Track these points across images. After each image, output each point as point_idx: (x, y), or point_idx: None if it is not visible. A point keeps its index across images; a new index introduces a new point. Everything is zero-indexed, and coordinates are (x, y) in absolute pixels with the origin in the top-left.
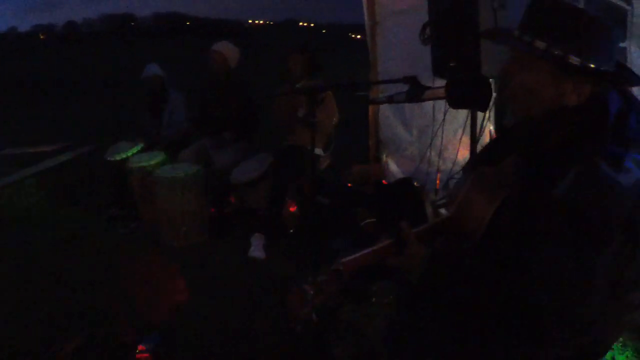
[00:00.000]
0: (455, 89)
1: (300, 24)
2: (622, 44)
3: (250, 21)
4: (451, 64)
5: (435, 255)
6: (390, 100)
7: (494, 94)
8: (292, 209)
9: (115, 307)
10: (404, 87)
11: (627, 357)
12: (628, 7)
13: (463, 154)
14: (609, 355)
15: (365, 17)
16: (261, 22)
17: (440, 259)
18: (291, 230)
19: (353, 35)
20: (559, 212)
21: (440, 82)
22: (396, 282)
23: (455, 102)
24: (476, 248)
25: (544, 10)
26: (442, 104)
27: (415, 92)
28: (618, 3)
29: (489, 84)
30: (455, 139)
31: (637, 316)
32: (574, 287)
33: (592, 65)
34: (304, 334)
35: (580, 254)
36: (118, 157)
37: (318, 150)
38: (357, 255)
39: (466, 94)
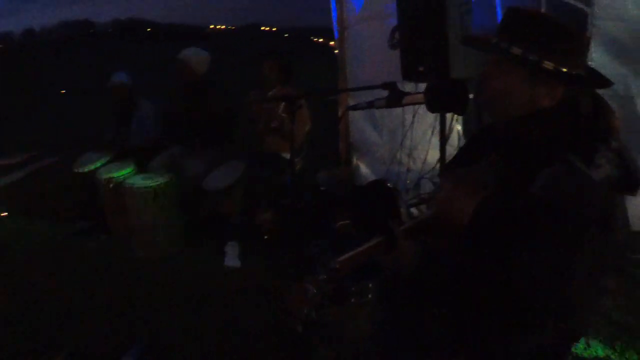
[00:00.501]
0: (433, 94)
1: (262, 28)
2: None
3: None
4: (420, 69)
5: (425, 251)
6: (370, 105)
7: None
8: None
9: (93, 321)
10: (383, 93)
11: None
12: (588, 9)
13: (433, 155)
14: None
15: (335, 23)
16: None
17: (430, 255)
18: (266, 237)
19: (315, 39)
20: (537, 207)
21: (409, 86)
22: (377, 281)
23: (434, 107)
24: (461, 244)
25: (520, 20)
26: (411, 106)
27: (395, 97)
28: (579, 5)
29: (466, 89)
30: (425, 139)
31: (605, 301)
32: (555, 277)
33: (565, 70)
34: (306, 334)
35: (559, 246)
36: (86, 169)
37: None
38: (351, 254)
39: (444, 99)
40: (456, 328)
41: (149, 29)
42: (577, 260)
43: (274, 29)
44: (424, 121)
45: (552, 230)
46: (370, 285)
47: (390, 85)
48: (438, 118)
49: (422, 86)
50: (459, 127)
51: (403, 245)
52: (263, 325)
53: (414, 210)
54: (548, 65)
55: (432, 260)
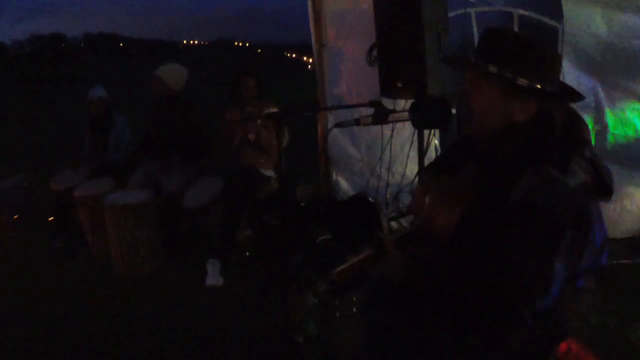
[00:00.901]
0: (417, 112)
1: (235, 43)
2: None
3: (184, 41)
4: (398, 85)
5: (413, 259)
6: (357, 122)
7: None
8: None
9: (71, 341)
10: (363, 111)
11: None
12: (558, 26)
13: (411, 168)
14: None
15: (313, 40)
16: (196, 42)
17: (418, 263)
18: (247, 253)
19: (288, 55)
20: (517, 212)
21: (387, 102)
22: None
23: (419, 123)
24: (448, 252)
25: (496, 40)
26: None
27: (381, 115)
28: (549, 22)
29: (449, 106)
30: (403, 153)
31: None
32: (536, 278)
33: (538, 86)
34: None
35: (539, 249)
36: (64, 186)
37: (269, 172)
38: (347, 264)
39: (429, 116)
40: (445, 332)
41: (120, 44)
42: (556, 262)
43: (246, 44)
44: (402, 135)
45: (532, 235)
46: (354, 298)
47: (376, 103)
48: (416, 132)
49: (400, 102)
50: (436, 142)
51: (392, 255)
52: (246, 343)
53: (393, 223)
54: (522, 81)
55: (420, 269)
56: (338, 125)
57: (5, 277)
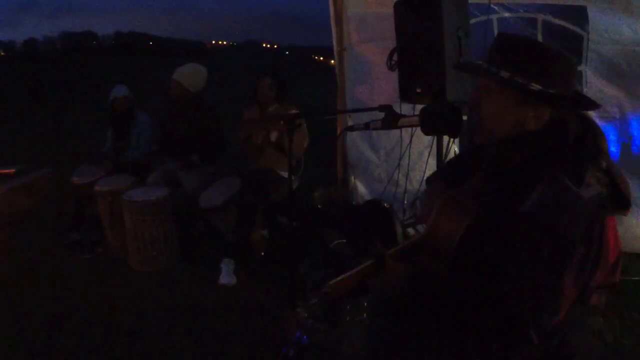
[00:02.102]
0: (428, 117)
1: (263, 45)
2: (578, 68)
3: (213, 42)
4: (418, 90)
5: (414, 271)
6: (367, 127)
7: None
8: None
9: (85, 333)
10: (379, 115)
11: None
12: (584, 33)
13: (429, 175)
14: None
15: (334, 43)
16: (224, 42)
17: (419, 275)
18: (262, 254)
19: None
20: (527, 226)
21: (407, 107)
22: (371, 299)
23: (428, 129)
24: (450, 265)
25: (508, 45)
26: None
27: (391, 120)
28: (574, 29)
29: (460, 112)
30: (422, 160)
31: (597, 319)
32: (544, 295)
33: (552, 92)
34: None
35: (548, 265)
36: (85, 180)
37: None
38: (342, 277)
39: (438, 122)
40: (445, 349)
41: (151, 43)
42: (566, 278)
43: (274, 46)
44: (421, 142)
45: (542, 249)
46: (365, 303)
47: (386, 108)
48: (435, 139)
49: (419, 107)
50: (455, 148)
51: (392, 267)
52: (255, 344)
53: (410, 230)
54: (535, 87)
55: (422, 281)
56: (349, 128)
57: (23, 266)
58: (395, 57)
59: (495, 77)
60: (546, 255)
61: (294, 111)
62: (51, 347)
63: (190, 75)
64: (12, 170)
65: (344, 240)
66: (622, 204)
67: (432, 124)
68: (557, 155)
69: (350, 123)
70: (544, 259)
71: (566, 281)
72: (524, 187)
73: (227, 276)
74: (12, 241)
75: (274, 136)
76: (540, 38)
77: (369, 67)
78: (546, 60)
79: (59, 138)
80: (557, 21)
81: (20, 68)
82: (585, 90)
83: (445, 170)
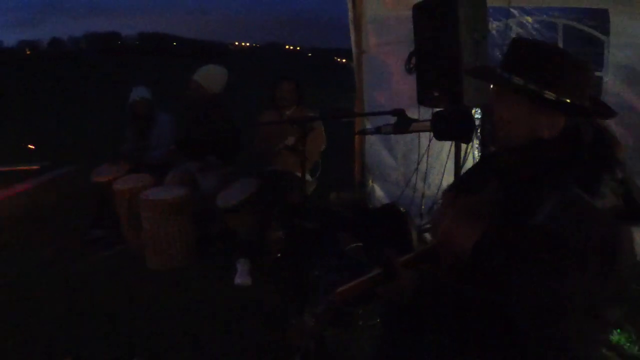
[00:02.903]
0: (439, 123)
1: (286, 47)
2: (597, 73)
3: (235, 43)
4: (435, 94)
5: (424, 280)
6: (378, 131)
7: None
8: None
9: (100, 329)
10: (392, 119)
11: None
12: (604, 38)
13: (447, 180)
14: None
15: (353, 46)
16: (247, 44)
17: (429, 283)
18: (278, 255)
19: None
20: (538, 239)
21: (425, 110)
22: (382, 305)
23: (440, 135)
24: (461, 274)
25: (522, 50)
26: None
27: (403, 124)
28: (595, 34)
29: (472, 117)
30: (440, 164)
31: (612, 331)
32: (553, 308)
33: (567, 100)
34: None
35: (559, 278)
36: (105, 178)
37: (305, 176)
38: (350, 285)
39: (450, 127)
40: (455, 357)
41: (174, 43)
42: (576, 292)
43: (297, 48)
44: (440, 145)
45: (552, 262)
46: (377, 307)
47: (398, 112)
48: (453, 143)
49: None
50: (475, 152)
51: (402, 275)
52: (266, 346)
53: (427, 235)
54: (549, 95)
55: (432, 290)
56: (361, 132)
57: (44, 261)
58: (413, 61)
59: (507, 83)
60: (554, 268)
61: (310, 114)
62: (69, 341)
63: (210, 76)
64: (37, 167)
65: (360, 244)
66: (637, 215)
67: (444, 130)
68: (570, 165)
69: (367, 126)
70: (552, 273)
71: (574, 295)
72: (536, 197)
73: (242, 276)
74: (34, 236)
75: (290, 140)
76: (560, 42)
77: (387, 70)
78: (561, 66)
79: (83, 136)
80: (578, 25)
81: (45, 67)
82: (603, 96)
83: (461, 179)
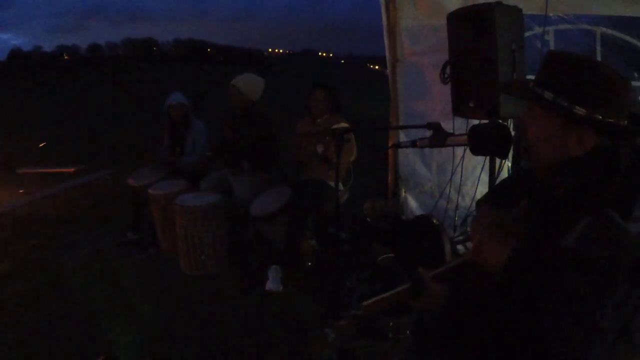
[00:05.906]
0: (476, 137)
1: (320, 54)
2: (636, 83)
3: (270, 49)
4: (470, 104)
5: (455, 295)
6: (414, 145)
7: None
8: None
9: (131, 329)
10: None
11: None
12: None
13: (481, 191)
14: None
15: (387, 54)
16: (280, 51)
17: (460, 299)
18: (309, 264)
19: (371, 66)
20: (568, 262)
21: (460, 121)
22: (412, 319)
23: (477, 150)
24: (492, 292)
25: (555, 63)
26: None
27: (438, 138)
28: (635, 42)
29: (509, 132)
30: (474, 176)
31: None
32: (584, 332)
33: (599, 117)
34: None
35: (589, 302)
36: (141, 183)
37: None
38: (376, 299)
39: (486, 143)
40: None
41: (209, 50)
42: (606, 315)
43: (330, 55)
44: (474, 157)
45: (582, 286)
46: (407, 321)
47: (434, 126)
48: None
49: (471, 122)
50: (509, 165)
51: (432, 290)
52: (293, 353)
53: (460, 247)
54: (580, 111)
55: (461, 306)
56: (395, 145)
57: (79, 263)
58: (448, 70)
59: (537, 99)
60: (585, 291)
61: (343, 124)
62: (100, 340)
63: (248, 83)
64: (72, 170)
65: (392, 255)
66: None
67: (480, 145)
68: (604, 186)
69: (402, 137)
70: (582, 296)
71: (602, 321)
72: (569, 218)
73: (273, 282)
74: (70, 238)
75: (320, 148)
76: (599, 52)
77: (422, 79)
78: (595, 81)
79: (121, 141)
80: (617, 34)
81: (83, 72)
82: None
83: (495, 192)
